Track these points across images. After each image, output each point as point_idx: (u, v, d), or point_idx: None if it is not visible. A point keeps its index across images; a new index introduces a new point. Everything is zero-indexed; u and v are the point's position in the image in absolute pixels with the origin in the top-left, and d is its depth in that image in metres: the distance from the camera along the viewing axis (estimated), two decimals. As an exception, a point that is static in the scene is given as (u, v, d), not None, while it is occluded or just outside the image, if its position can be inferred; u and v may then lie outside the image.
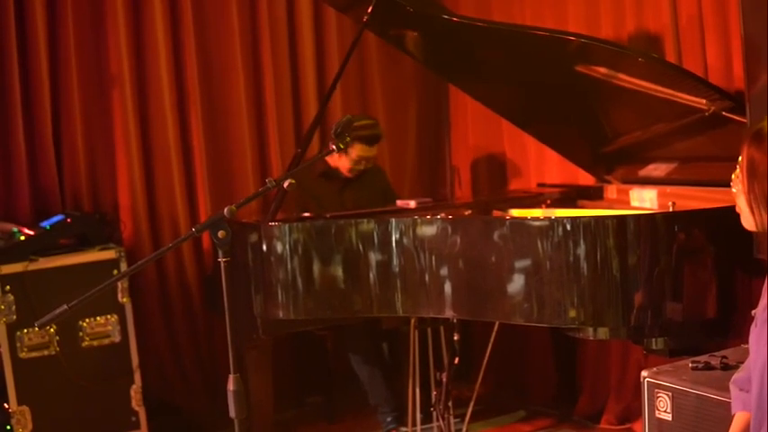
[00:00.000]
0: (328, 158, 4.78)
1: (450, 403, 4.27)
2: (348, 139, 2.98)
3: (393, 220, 3.75)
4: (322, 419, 5.15)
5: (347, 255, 3.77)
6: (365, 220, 3.79)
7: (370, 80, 5.73)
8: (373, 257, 3.75)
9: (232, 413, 2.73)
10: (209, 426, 4.97)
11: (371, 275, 3.75)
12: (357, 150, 4.66)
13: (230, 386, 2.72)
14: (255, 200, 3.93)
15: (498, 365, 5.02)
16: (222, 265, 2.69)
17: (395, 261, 3.72)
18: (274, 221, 3.89)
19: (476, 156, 5.68)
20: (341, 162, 4.74)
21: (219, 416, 4.90)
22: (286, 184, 2.88)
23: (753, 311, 2.40)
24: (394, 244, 3.72)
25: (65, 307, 2.60)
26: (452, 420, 4.33)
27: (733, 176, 2.40)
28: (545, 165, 5.15)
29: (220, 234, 2.67)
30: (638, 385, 4.43)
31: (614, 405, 4.69)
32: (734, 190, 2.41)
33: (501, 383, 5.24)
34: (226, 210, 2.70)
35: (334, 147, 2.98)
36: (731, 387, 2.50)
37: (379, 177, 5.05)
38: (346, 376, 5.07)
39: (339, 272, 3.78)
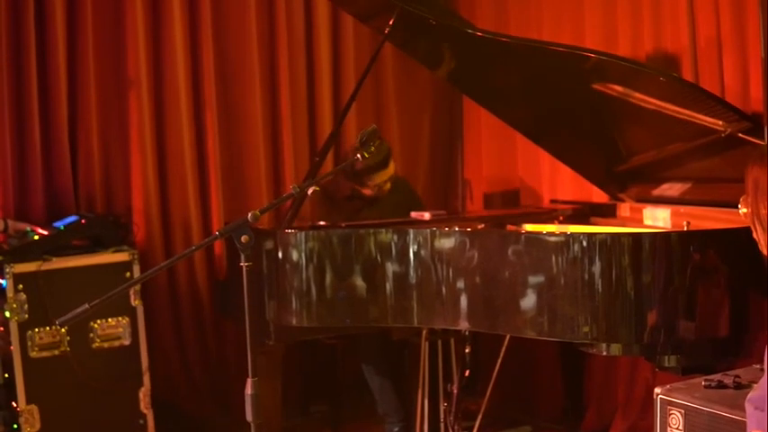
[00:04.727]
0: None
1: (459, 415, 4.27)
2: (372, 148, 3.00)
3: (412, 231, 3.76)
4: (327, 428, 5.15)
5: (364, 264, 3.78)
6: (383, 231, 3.80)
7: (385, 92, 5.77)
8: (390, 268, 3.76)
9: (249, 417, 2.75)
10: (217, 431, 4.98)
11: (388, 285, 3.76)
12: (376, 179, 4.71)
13: (248, 390, 2.74)
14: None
15: (506, 380, 5.01)
16: (244, 269, 2.71)
17: (412, 272, 3.74)
18: (290, 229, 3.91)
19: (488, 170, 5.71)
20: (365, 190, 4.77)
21: (227, 421, 4.95)
22: (310, 191, 2.90)
23: (770, 331, 2.41)
24: (412, 255, 3.73)
25: (86, 306, 2.62)
26: (461, 433, 4.34)
27: (741, 199, 2.43)
28: (558, 181, 5.17)
29: (244, 239, 2.70)
30: (646, 403, 4.49)
31: (621, 422, 4.70)
32: (741, 211, 2.43)
33: (508, 398, 5.24)
34: (249, 215, 2.72)
35: (359, 156, 3.01)
36: (746, 406, 2.50)
37: (402, 190, 5.06)
38: (353, 385, 5.09)
39: (355, 281, 3.78)
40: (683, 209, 4.20)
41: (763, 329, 3.42)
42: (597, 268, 3.38)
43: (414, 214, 4.58)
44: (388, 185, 4.83)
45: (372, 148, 3.01)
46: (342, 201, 4.86)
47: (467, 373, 4.24)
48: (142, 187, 5.05)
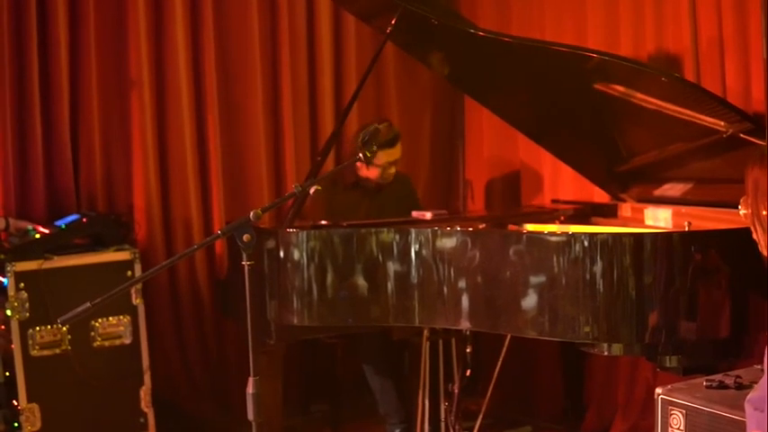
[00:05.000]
0: (358, 169, 4.81)
1: (460, 415, 4.27)
2: (375, 147, 3.00)
3: (413, 230, 3.76)
4: (327, 428, 5.14)
5: (366, 264, 3.77)
6: (385, 230, 3.80)
7: (386, 92, 5.76)
8: (392, 267, 3.75)
9: (250, 416, 2.75)
10: (217, 430, 4.98)
11: (389, 285, 3.75)
12: (382, 158, 4.69)
13: (249, 389, 2.74)
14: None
15: (507, 380, 5.01)
16: (246, 268, 2.71)
17: (413, 271, 3.73)
18: (292, 228, 3.91)
19: (490, 170, 5.70)
20: (370, 172, 4.77)
21: (227, 420, 4.95)
22: (312, 190, 2.91)
23: (770, 332, 2.42)
24: (413, 255, 3.73)
25: (88, 305, 2.62)
26: (461, 433, 4.34)
27: (741, 200, 2.43)
28: (560, 181, 5.16)
29: (246, 238, 2.70)
30: (646, 403, 4.49)
31: (621, 423, 4.70)
32: (741, 212, 2.44)
33: (509, 398, 5.23)
34: (251, 213, 2.72)
35: (361, 155, 3.00)
36: (746, 406, 2.51)
37: (403, 186, 5.06)
38: (353, 385, 5.08)
39: (356, 280, 3.78)
40: (684, 209, 4.20)
41: (763, 330, 3.42)
42: (598, 268, 3.38)
43: (415, 214, 4.58)
44: (393, 170, 4.81)
45: (374, 148, 3.01)
46: (344, 190, 4.85)
47: (468, 372, 4.24)
48: (143, 186, 5.05)
